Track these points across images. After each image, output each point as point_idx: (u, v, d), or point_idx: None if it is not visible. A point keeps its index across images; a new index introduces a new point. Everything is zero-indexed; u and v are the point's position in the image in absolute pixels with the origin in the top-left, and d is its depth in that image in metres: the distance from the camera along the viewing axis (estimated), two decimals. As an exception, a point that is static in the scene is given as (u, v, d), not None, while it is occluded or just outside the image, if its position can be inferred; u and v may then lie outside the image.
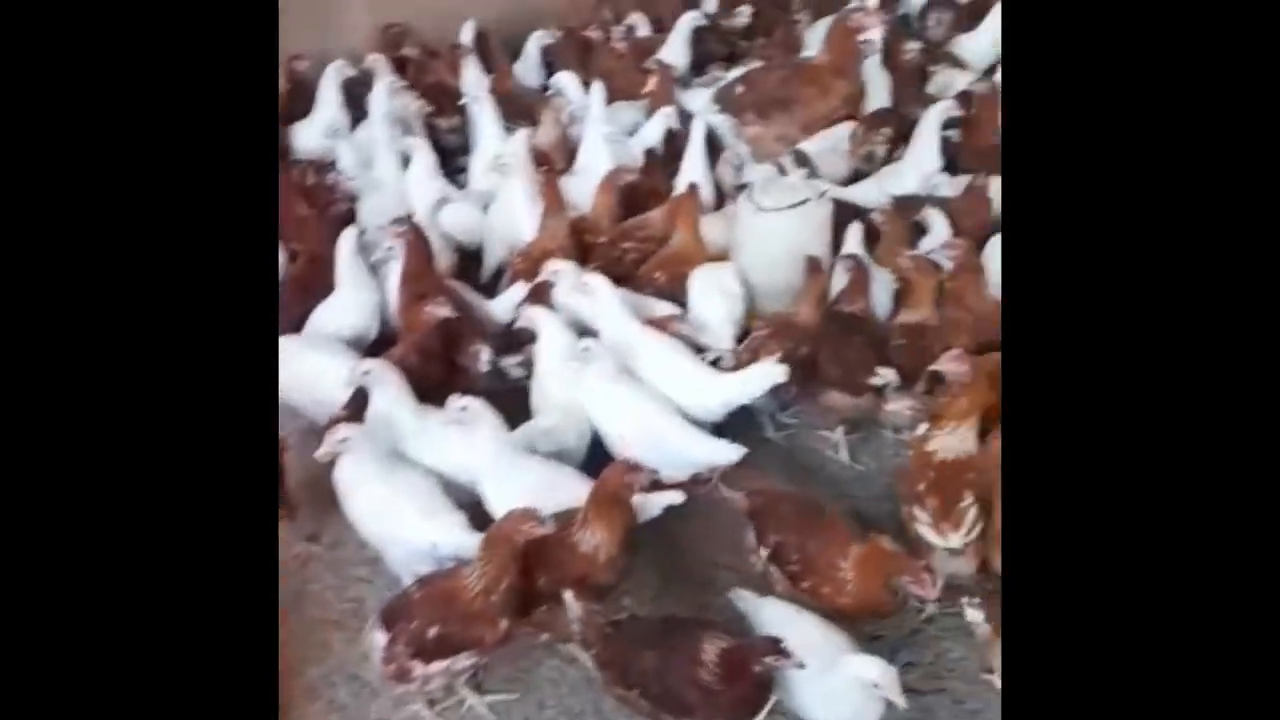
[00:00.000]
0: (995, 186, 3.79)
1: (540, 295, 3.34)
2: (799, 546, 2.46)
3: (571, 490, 2.61)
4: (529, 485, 2.64)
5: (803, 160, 3.62)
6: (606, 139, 4.15)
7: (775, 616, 2.37)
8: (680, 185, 3.85)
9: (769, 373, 2.91)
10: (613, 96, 4.56)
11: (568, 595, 2.17)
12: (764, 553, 2.51)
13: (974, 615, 2.35)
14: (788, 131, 3.15)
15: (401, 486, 2.62)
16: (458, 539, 2.52)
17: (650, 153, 4.23)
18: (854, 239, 3.53)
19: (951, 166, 4.07)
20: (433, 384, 3.10)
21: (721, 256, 3.62)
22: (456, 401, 2.71)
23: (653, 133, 4.35)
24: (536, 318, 3.06)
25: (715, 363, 3.09)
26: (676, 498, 2.63)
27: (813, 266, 3.21)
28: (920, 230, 3.69)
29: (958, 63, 5.00)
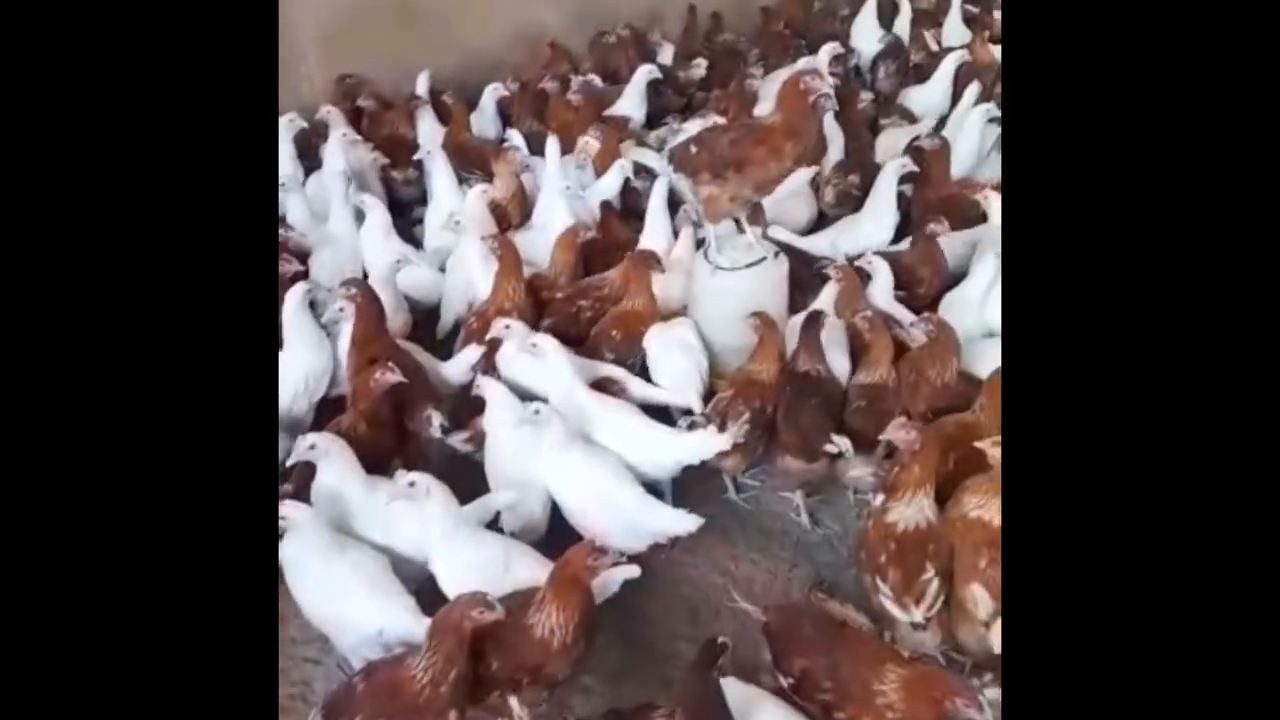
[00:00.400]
0: (946, 241, 3.84)
1: (492, 356, 3.29)
2: (830, 671, 2.21)
3: (528, 569, 2.53)
4: (482, 563, 2.56)
5: (758, 218, 3.62)
6: (563, 194, 4.12)
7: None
8: (646, 244, 3.84)
9: (719, 439, 2.92)
10: (569, 150, 4.54)
11: (513, 701, 2.07)
12: (786, 681, 2.30)
13: (993, 694, 2.27)
14: (740, 192, 3.13)
15: (348, 567, 2.51)
16: (407, 624, 2.42)
17: (607, 206, 4.21)
18: (825, 297, 3.53)
19: (905, 220, 4.12)
20: (383, 452, 3.03)
21: (681, 313, 3.60)
22: (404, 477, 2.62)
23: (609, 186, 4.35)
24: (486, 387, 2.99)
25: (691, 428, 3.06)
26: (633, 572, 2.56)
27: (766, 325, 3.18)
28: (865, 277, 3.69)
29: (908, 115, 5.09)
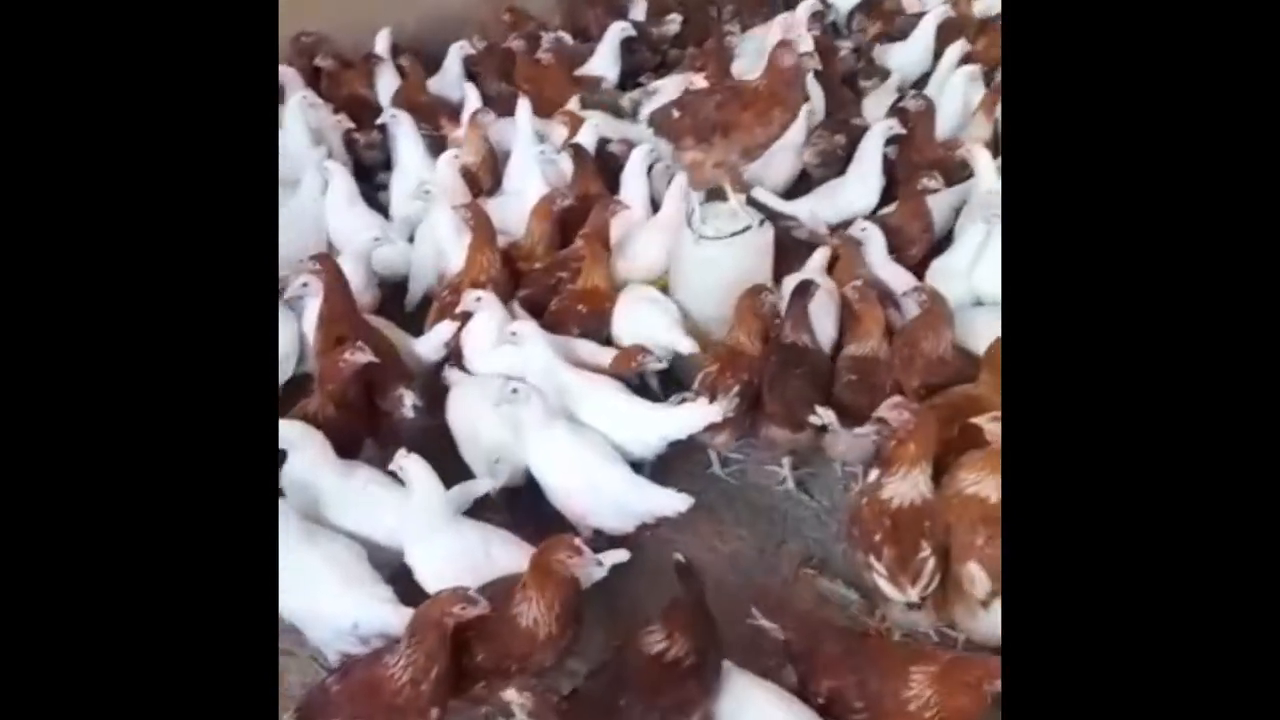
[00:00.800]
0: (933, 201, 3.76)
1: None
2: (859, 689, 2.12)
3: (509, 555, 2.43)
4: (462, 551, 2.46)
5: (743, 185, 3.50)
6: (536, 158, 3.95)
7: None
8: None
9: (706, 413, 2.84)
10: (541, 111, 4.35)
11: (510, 692, 1.98)
12: (816, 701, 2.19)
13: None
14: (727, 158, 3.01)
15: (321, 558, 2.39)
16: (383, 616, 2.31)
17: (581, 164, 3.99)
18: (814, 265, 3.43)
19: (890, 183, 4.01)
20: (353, 435, 2.89)
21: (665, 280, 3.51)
22: (402, 458, 2.51)
23: (582, 142, 4.14)
24: (452, 379, 2.89)
25: (681, 403, 2.98)
26: (621, 556, 2.48)
27: (752, 295, 3.08)
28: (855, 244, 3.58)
29: (887, 74, 4.95)
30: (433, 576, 2.42)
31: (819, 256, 3.52)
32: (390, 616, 2.29)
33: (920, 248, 3.67)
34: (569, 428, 2.79)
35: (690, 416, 2.88)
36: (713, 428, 2.97)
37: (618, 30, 4.99)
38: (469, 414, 2.95)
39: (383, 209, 4.13)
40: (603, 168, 4.00)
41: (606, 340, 3.34)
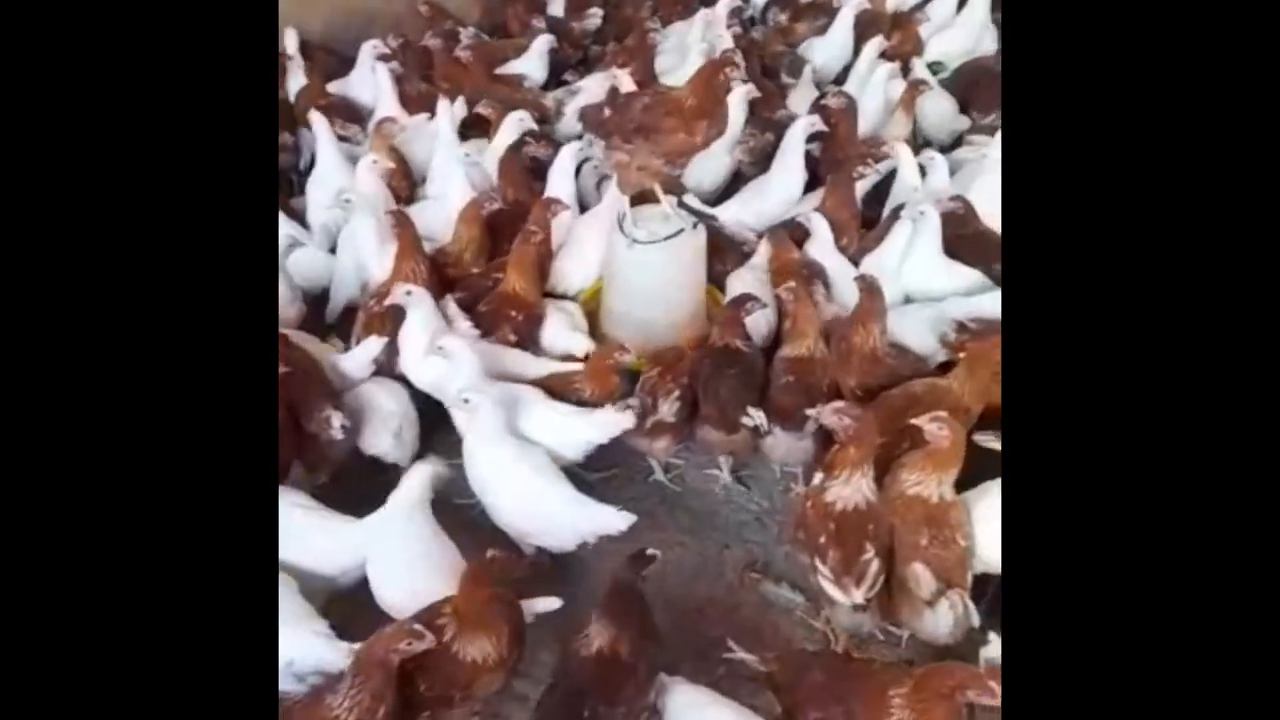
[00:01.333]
0: (862, 187, 3.83)
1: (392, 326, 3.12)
2: (847, 717, 2.11)
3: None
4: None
5: (677, 188, 3.47)
6: (460, 161, 3.83)
7: None
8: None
9: (623, 418, 2.86)
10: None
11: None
12: None
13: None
14: (649, 162, 2.98)
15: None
16: (320, 652, 2.21)
17: (509, 165, 3.88)
18: (758, 263, 3.44)
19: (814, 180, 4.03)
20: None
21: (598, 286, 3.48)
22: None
23: (501, 145, 4.02)
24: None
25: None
26: (552, 604, 2.44)
27: (690, 299, 3.06)
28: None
29: (799, 70, 4.97)
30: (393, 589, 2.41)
31: (762, 252, 3.51)
32: (327, 652, 2.19)
33: (851, 239, 3.70)
34: (515, 446, 2.73)
35: (608, 421, 2.88)
36: (654, 433, 2.97)
37: (545, 42, 4.90)
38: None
39: (299, 218, 3.96)
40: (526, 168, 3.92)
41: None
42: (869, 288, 3.02)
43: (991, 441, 2.56)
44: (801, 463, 3.03)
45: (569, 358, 3.25)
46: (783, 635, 2.71)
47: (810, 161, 4.04)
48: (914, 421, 2.43)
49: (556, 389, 3.03)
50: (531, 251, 3.31)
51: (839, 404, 2.53)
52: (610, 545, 2.85)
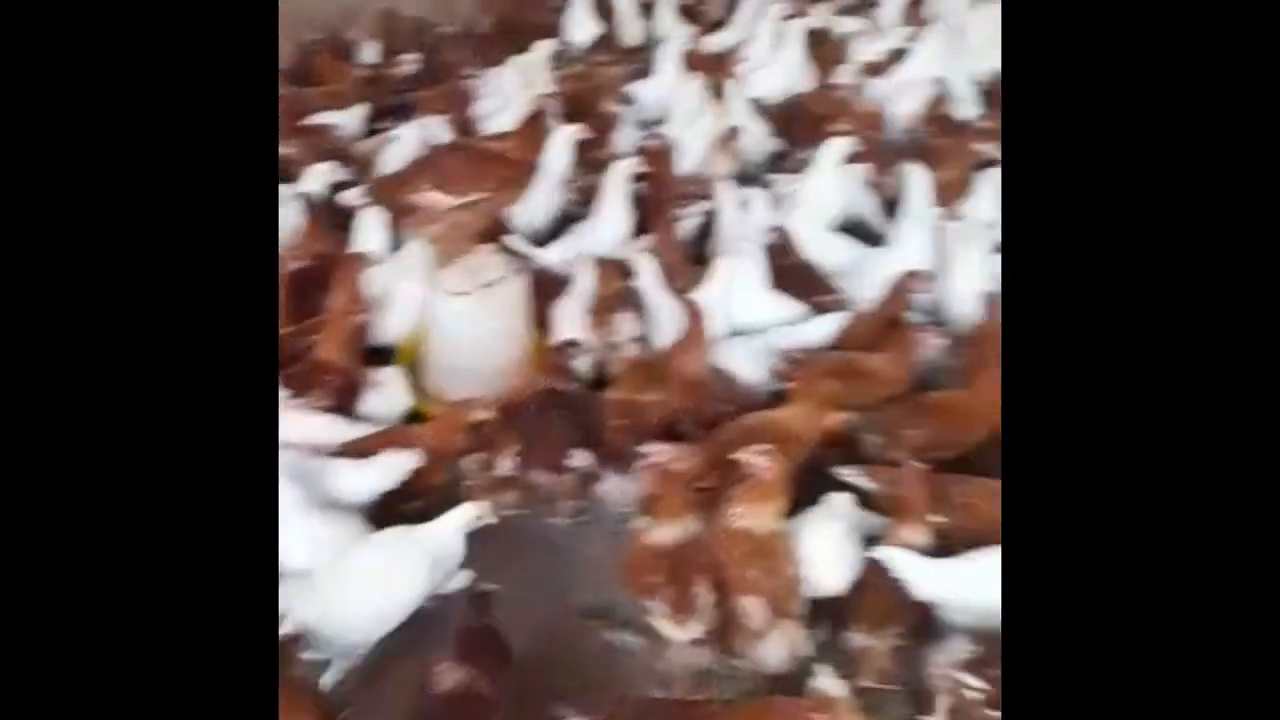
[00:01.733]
0: (689, 225, 3.90)
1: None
2: None
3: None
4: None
5: (498, 230, 3.44)
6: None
7: None
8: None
9: (396, 463, 2.85)
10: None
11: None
12: None
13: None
14: (463, 215, 2.95)
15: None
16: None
17: (311, 218, 3.75)
18: (569, 313, 3.41)
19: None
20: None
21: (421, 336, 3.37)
22: None
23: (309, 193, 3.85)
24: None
25: None
26: None
27: (511, 345, 3.03)
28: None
29: (627, 105, 5.04)
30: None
31: (578, 294, 3.51)
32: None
33: (684, 279, 3.73)
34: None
35: (387, 468, 2.85)
36: (499, 486, 2.95)
37: (357, 89, 4.78)
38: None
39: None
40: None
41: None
42: (693, 312, 3.07)
43: (849, 475, 2.64)
44: (634, 504, 3.01)
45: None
46: (625, 681, 2.66)
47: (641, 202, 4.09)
48: (733, 456, 2.46)
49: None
50: (347, 323, 3.21)
51: (662, 445, 2.54)
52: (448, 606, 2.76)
